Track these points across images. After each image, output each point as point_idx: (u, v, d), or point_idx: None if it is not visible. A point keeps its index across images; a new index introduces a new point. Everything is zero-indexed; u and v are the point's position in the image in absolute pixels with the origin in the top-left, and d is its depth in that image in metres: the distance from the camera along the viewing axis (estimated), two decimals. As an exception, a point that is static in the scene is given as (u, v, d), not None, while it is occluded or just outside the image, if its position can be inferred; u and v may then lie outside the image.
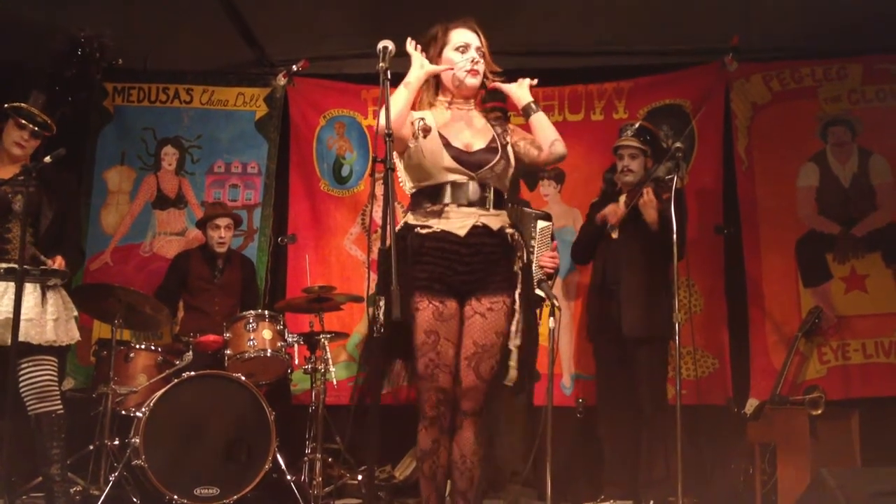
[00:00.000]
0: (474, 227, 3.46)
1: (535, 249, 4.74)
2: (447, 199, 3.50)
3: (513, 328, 3.47)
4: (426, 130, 3.53)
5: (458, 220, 3.46)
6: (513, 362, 3.46)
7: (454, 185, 3.50)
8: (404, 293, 3.43)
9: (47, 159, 4.37)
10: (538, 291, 4.69)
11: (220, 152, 6.76)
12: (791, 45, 6.42)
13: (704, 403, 5.93)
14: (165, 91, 6.81)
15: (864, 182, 6.19)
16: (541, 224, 4.79)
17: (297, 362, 5.67)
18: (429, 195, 3.54)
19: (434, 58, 3.62)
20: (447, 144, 3.51)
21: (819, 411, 5.25)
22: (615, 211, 5.53)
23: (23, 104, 4.72)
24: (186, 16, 6.10)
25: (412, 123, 3.55)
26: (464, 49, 3.61)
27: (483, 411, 3.48)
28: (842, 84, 6.30)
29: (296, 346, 5.63)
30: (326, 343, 5.53)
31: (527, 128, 3.69)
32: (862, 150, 6.24)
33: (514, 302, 3.50)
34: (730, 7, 5.95)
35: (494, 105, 3.89)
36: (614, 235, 5.50)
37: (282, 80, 6.69)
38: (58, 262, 4.55)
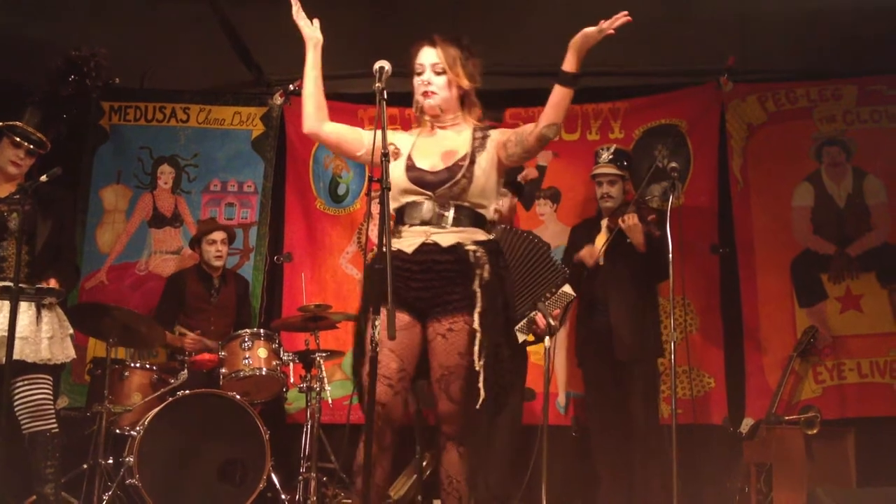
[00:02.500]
0: (423, 245, 3.45)
1: (546, 305, 4.74)
2: (405, 219, 3.52)
3: (476, 349, 3.38)
4: (395, 154, 3.54)
5: (408, 239, 3.47)
6: (480, 384, 3.37)
7: (410, 205, 3.52)
8: (364, 307, 3.48)
9: (43, 178, 4.36)
10: (538, 309, 4.71)
11: (216, 171, 6.77)
12: (786, 66, 6.46)
13: (700, 423, 5.92)
14: (162, 110, 6.82)
15: (859, 202, 6.21)
16: (566, 288, 4.79)
17: (292, 381, 5.66)
18: (397, 216, 3.58)
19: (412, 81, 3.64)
20: (410, 167, 3.53)
21: (814, 431, 5.26)
22: (591, 253, 5.50)
23: (18, 122, 4.72)
24: (184, 35, 6.13)
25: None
26: (420, 72, 3.61)
27: (466, 433, 3.44)
28: (836, 105, 6.33)
29: (291, 364, 5.62)
30: (322, 362, 5.53)
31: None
32: (857, 170, 6.26)
33: (474, 321, 3.41)
34: (726, 28, 5.99)
35: (491, 124, 3.88)
36: (601, 262, 5.49)
37: (278, 100, 6.70)
38: (51, 284, 4.54)
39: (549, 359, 4.61)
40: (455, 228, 3.49)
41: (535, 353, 5.55)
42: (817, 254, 6.20)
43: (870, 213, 6.20)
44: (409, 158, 3.56)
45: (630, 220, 5.32)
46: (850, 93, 6.32)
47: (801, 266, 6.20)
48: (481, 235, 3.54)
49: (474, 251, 3.47)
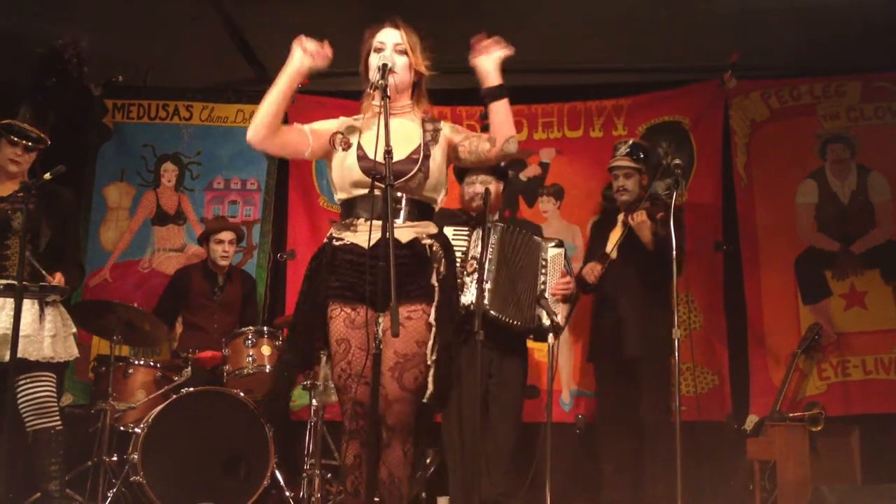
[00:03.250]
0: (381, 240, 3.25)
1: (546, 278, 4.74)
2: (358, 211, 3.43)
3: (430, 343, 3.35)
4: (346, 143, 3.47)
5: (365, 233, 3.34)
6: (430, 378, 3.34)
7: (363, 198, 3.42)
8: (320, 303, 3.42)
9: (47, 176, 4.38)
10: (540, 306, 4.70)
11: (219, 169, 6.77)
12: (790, 62, 6.45)
13: (704, 420, 5.90)
14: (165, 108, 6.82)
15: (863, 199, 6.20)
16: (551, 252, 4.78)
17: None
18: (346, 207, 3.50)
19: (363, 63, 3.57)
20: (362, 157, 3.42)
21: (819, 428, 5.25)
22: (592, 269, 5.48)
23: (12, 121, 4.74)
24: (186, 33, 6.12)
25: (332, 137, 3.51)
26: (380, 49, 3.53)
27: (411, 427, 3.36)
28: (840, 101, 6.32)
29: (295, 362, 5.61)
30: (325, 359, 5.52)
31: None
32: (861, 167, 6.25)
33: (431, 315, 3.38)
34: (729, 24, 5.97)
35: (438, 117, 3.84)
36: (613, 256, 5.47)
37: (281, 97, 6.68)
38: (57, 279, 4.56)
39: (554, 356, 4.60)
40: (409, 223, 3.44)
41: (538, 350, 5.55)
42: (821, 251, 6.19)
43: (874, 210, 6.19)
44: (360, 147, 3.46)
45: (639, 218, 5.29)
46: (855, 89, 6.32)
47: (805, 263, 6.19)
48: (433, 228, 3.51)
49: (430, 245, 3.44)
